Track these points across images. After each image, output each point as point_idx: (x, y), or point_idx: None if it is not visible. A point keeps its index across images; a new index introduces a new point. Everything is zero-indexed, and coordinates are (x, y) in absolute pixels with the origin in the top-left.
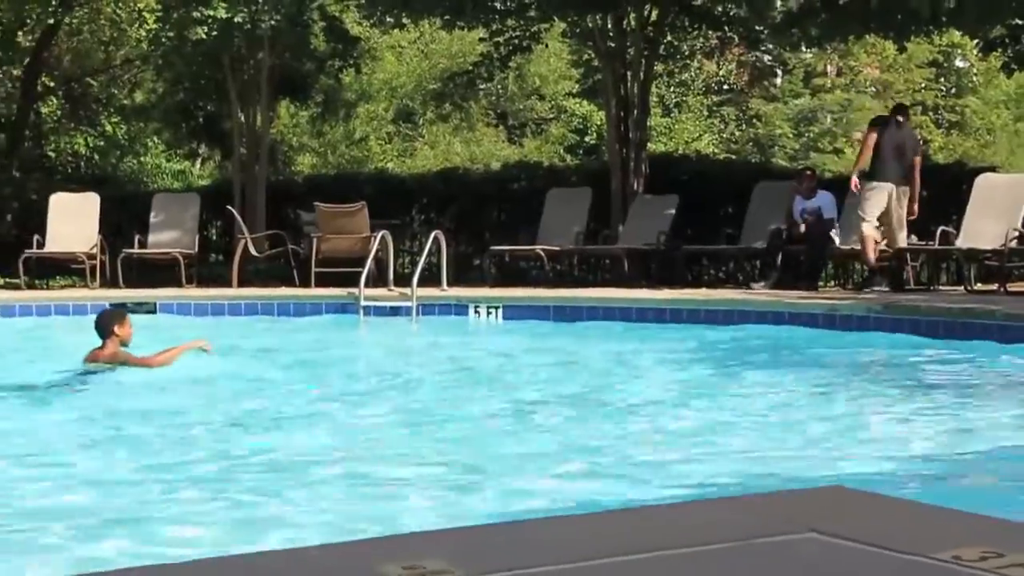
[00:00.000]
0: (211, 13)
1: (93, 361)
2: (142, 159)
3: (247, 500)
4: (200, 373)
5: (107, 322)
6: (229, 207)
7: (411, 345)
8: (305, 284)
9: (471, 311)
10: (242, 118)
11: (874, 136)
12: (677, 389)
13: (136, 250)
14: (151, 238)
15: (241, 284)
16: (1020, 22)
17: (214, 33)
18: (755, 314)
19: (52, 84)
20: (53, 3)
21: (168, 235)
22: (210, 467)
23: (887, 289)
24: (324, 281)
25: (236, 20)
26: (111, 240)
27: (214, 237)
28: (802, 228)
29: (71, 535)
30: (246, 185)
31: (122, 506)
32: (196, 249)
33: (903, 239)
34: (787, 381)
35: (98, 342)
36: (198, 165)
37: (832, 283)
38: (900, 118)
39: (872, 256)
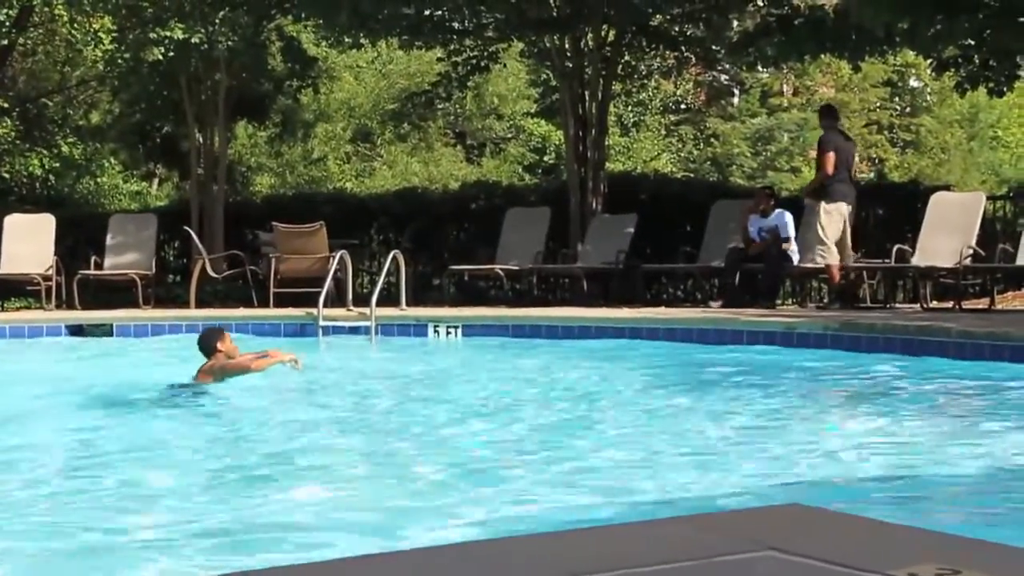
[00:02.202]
0: (167, 34)
1: (202, 379)
2: (99, 180)
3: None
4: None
5: (209, 341)
6: (187, 228)
7: (370, 364)
8: (264, 305)
9: (431, 331)
10: (200, 139)
11: (833, 155)
12: (636, 409)
13: (93, 271)
14: (108, 259)
15: (199, 305)
16: (972, 42)
17: (171, 54)
18: (713, 332)
19: (6, 105)
20: (7, 24)
21: (125, 256)
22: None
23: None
24: (283, 301)
25: (193, 41)
26: (67, 261)
27: (172, 258)
28: (757, 250)
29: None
30: (204, 206)
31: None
32: (154, 270)
33: (851, 256)
34: (745, 399)
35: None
36: (155, 186)
37: (790, 301)
38: (843, 129)
39: (837, 278)
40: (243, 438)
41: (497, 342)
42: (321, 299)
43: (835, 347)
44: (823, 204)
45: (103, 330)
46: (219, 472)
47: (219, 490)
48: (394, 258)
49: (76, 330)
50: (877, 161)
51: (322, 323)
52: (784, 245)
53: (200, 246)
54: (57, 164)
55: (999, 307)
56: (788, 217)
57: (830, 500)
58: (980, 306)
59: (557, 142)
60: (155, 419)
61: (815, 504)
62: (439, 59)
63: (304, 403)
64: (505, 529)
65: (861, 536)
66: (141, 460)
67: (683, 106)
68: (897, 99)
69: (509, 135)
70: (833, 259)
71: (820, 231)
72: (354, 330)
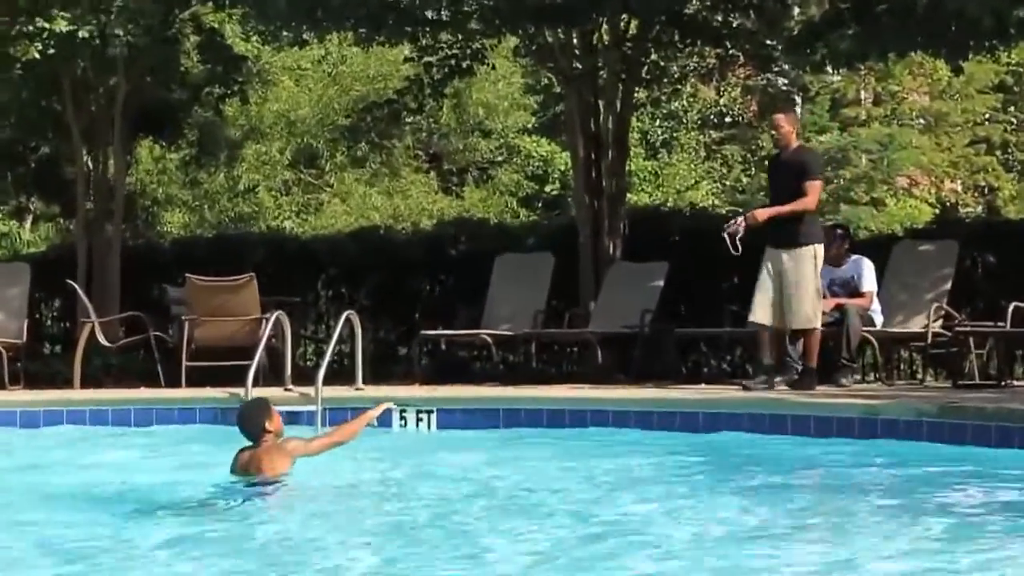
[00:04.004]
0: (47, 26)
1: (251, 471)
2: None
3: None
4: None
5: (256, 419)
6: (71, 281)
7: (310, 469)
8: (173, 383)
9: (395, 418)
10: (89, 163)
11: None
12: (671, 524)
13: None
14: None
15: (86, 384)
16: None
17: (51, 51)
18: (769, 419)
19: None
20: None
21: None
22: None
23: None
24: (198, 379)
25: (81, 35)
26: None
27: (49, 322)
28: (830, 306)
29: None
30: (95, 251)
31: None
32: (24, 338)
33: None
34: (815, 512)
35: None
36: (28, 226)
37: (872, 377)
38: None
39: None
40: None
41: (483, 434)
42: (250, 376)
43: (933, 439)
44: (816, 248)
45: None
46: None
47: None
48: (347, 321)
49: None
50: (987, 191)
51: None
52: (861, 302)
53: (88, 306)
54: None
55: None
56: (868, 266)
57: None
58: None
59: (563, 167)
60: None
61: None
62: (407, 59)
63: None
64: None
65: None
66: None
67: (728, 119)
68: (1012, 109)
69: (499, 157)
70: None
71: (817, 283)
72: (294, 417)
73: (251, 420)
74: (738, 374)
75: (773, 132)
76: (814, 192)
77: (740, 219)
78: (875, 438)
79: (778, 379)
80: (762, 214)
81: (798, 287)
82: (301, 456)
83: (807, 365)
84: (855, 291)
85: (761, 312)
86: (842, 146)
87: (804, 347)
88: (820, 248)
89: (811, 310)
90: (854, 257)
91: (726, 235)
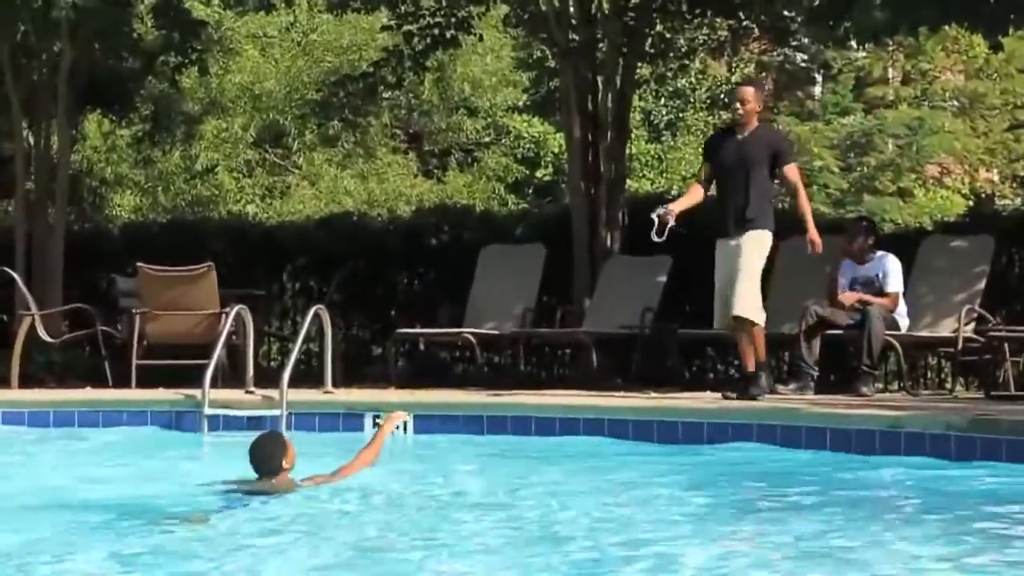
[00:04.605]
0: None
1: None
2: None
3: None
4: None
5: (272, 458)
6: (8, 269)
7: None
8: (122, 383)
9: (367, 424)
10: (30, 138)
11: None
12: (671, 547)
13: None
14: None
15: (25, 384)
16: None
17: None
18: (781, 431)
19: None
20: None
21: None
22: None
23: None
24: (150, 379)
25: None
26: None
27: None
28: (850, 300)
29: None
30: (35, 237)
31: None
32: None
33: None
34: (832, 539)
35: None
36: None
37: (896, 385)
38: None
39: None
40: None
41: (465, 442)
42: (207, 376)
43: (963, 456)
44: (767, 235)
45: None
46: None
47: None
48: (316, 316)
49: None
50: None
51: (208, 411)
52: (885, 302)
53: (28, 297)
54: None
55: None
56: (894, 264)
57: None
58: None
59: (556, 149)
60: None
61: None
62: (385, 27)
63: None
64: None
65: None
66: None
67: None
68: None
69: (486, 138)
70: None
71: (758, 269)
72: (256, 422)
73: (268, 459)
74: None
75: (736, 106)
76: (799, 176)
77: (669, 207)
78: (898, 454)
79: (792, 386)
80: (811, 226)
81: (741, 271)
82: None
83: (747, 371)
84: (879, 291)
85: (721, 316)
86: (867, 130)
87: (744, 345)
88: (770, 236)
89: (754, 298)
90: (879, 253)
91: (655, 216)
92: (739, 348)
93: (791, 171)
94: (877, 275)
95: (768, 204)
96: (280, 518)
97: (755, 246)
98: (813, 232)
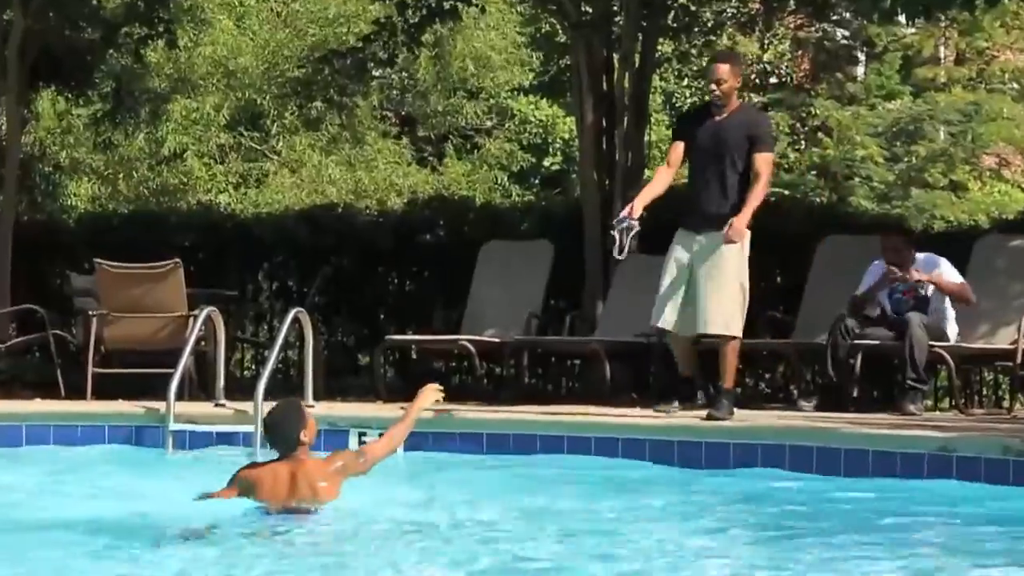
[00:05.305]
0: None
1: (291, 494)
2: None
3: None
4: None
5: (288, 427)
6: None
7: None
8: (76, 394)
9: (353, 441)
10: None
11: None
12: None
13: None
14: None
15: None
16: None
17: None
18: (818, 454)
19: None
20: None
21: None
22: None
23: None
24: (109, 389)
25: None
26: None
27: None
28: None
29: None
30: None
31: None
32: None
33: None
34: (873, 571)
35: None
36: None
37: (947, 403)
38: None
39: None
40: None
41: (462, 462)
42: (173, 386)
43: (1022, 481)
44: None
45: None
46: None
47: None
48: (296, 321)
49: None
50: None
51: (174, 426)
52: (956, 289)
53: None
54: None
55: None
56: (944, 263)
57: None
58: None
59: (566, 135)
60: None
61: None
62: None
63: None
64: None
65: None
66: None
67: (774, 79)
68: None
69: (488, 122)
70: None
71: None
72: (226, 438)
73: (283, 428)
74: (779, 396)
75: (712, 87)
76: (770, 168)
77: (628, 213)
78: (948, 478)
79: (813, 403)
80: (745, 216)
81: (713, 280)
82: (353, 476)
83: (722, 386)
84: (925, 298)
85: (669, 314)
86: (915, 115)
87: (721, 362)
88: (748, 237)
89: (730, 312)
90: (921, 257)
91: (616, 233)
92: (678, 357)
93: (762, 159)
94: (919, 281)
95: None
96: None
97: (736, 249)
98: (742, 220)
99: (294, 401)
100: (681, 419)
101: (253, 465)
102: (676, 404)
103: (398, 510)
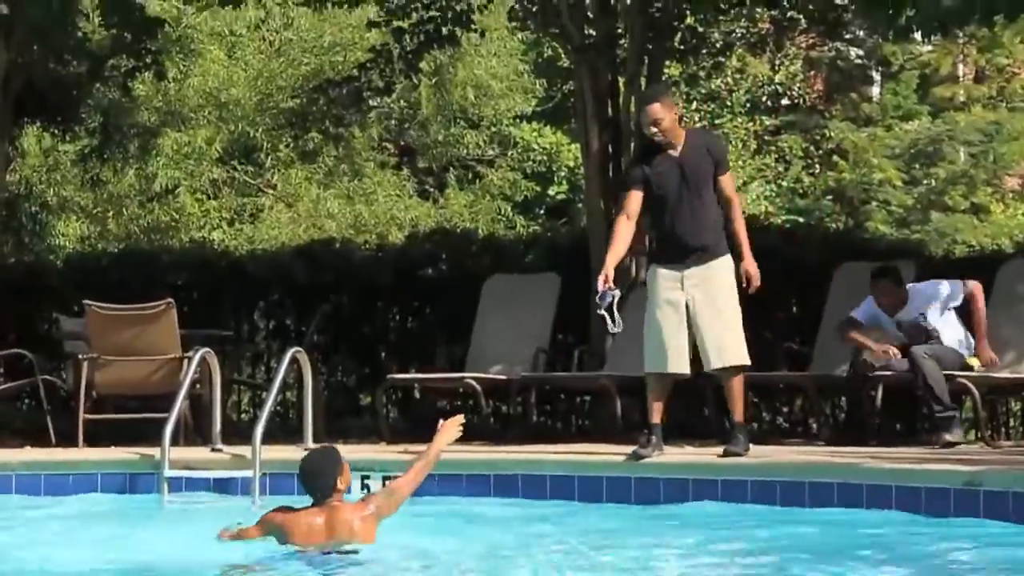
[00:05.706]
0: None
1: (328, 538)
2: None
3: None
4: None
5: (326, 475)
6: None
7: (249, 552)
8: (66, 441)
9: (356, 485)
10: None
11: None
12: None
13: None
14: None
15: None
16: None
17: None
18: (839, 489)
19: None
20: None
21: None
22: None
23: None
24: (100, 436)
25: None
26: None
27: None
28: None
29: None
30: None
31: None
32: None
33: None
34: None
35: None
36: None
37: (973, 435)
38: None
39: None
40: None
41: (469, 507)
42: (167, 432)
43: None
44: (729, 258)
45: None
46: None
47: None
48: (294, 361)
49: None
50: None
51: (169, 473)
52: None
53: None
54: None
55: None
56: (942, 285)
57: None
58: None
59: (571, 163)
60: None
61: None
62: (372, 23)
63: None
64: None
65: None
66: None
67: (786, 101)
68: None
69: (490, 151)
70: None
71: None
72: (223, 485)
73: (320, 475)
74: (797, 431)
75: (652, 129)
76: (734, 185)
77: (606, 284)
78: (975, 515)
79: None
80: (748, 253)
81: (721, 312)
82: (385, 517)
83: (735, 420)
84: (928, 333)
85: (676, 358)
86: (934, 136)
87: (729, 395)
88: (732, 260)
89: (739, 340)
90: (916, 288)
91: (603, 312)
92: (657, 399)
93: (728, 181)
94: (922, 314)
95: (720, 222)
96: None
97: (727, 279)
98: (750, 261)
99: (330, 448)
100: (694, 455)
101: (284, 509)
102: (654, 443)
103: (398, 559)
